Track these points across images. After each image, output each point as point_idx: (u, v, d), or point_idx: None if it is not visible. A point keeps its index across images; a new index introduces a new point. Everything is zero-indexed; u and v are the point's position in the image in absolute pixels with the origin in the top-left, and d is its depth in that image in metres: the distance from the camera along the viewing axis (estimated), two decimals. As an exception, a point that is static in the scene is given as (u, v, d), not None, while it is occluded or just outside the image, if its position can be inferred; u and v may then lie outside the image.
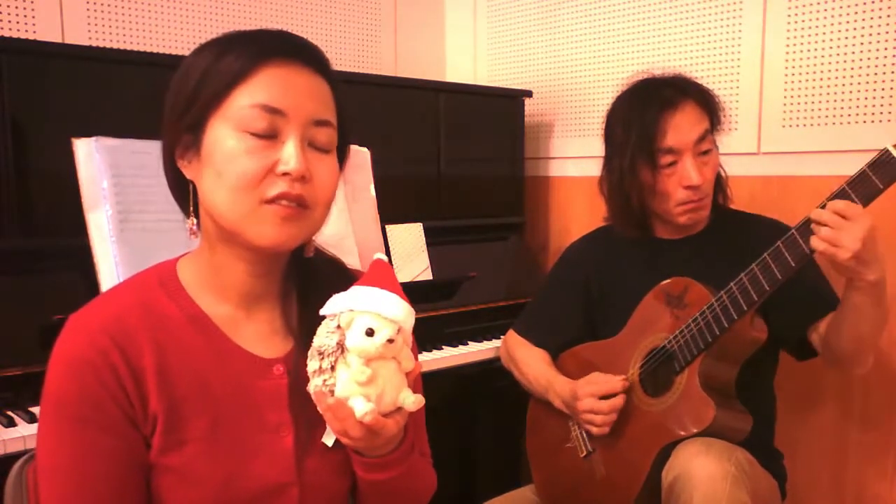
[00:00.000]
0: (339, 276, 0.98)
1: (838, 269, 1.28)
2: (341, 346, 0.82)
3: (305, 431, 0.91)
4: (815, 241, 1.27)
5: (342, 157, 0.95)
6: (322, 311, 0.85)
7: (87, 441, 0.83)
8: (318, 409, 0.85)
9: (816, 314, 1.47)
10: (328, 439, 0.90)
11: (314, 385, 0.84)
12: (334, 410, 0.83)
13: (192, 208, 0.91)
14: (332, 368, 0.83)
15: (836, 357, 1.46)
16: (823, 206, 1.27)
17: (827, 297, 1.48)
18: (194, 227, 0.92)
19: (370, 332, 0.82)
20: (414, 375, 0.88)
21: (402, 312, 0.84)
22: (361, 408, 0.81)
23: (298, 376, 0.90)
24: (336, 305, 0.84)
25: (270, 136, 0.85)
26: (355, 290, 0.85)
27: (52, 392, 0.85)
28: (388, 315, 0.83)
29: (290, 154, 0.84)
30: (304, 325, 0.93)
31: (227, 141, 0.84)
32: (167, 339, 0.88)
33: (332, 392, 0.82)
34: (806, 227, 1.30)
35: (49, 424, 0.85)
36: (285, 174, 0.84)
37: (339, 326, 0.83)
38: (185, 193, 0.92)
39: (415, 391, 0.87)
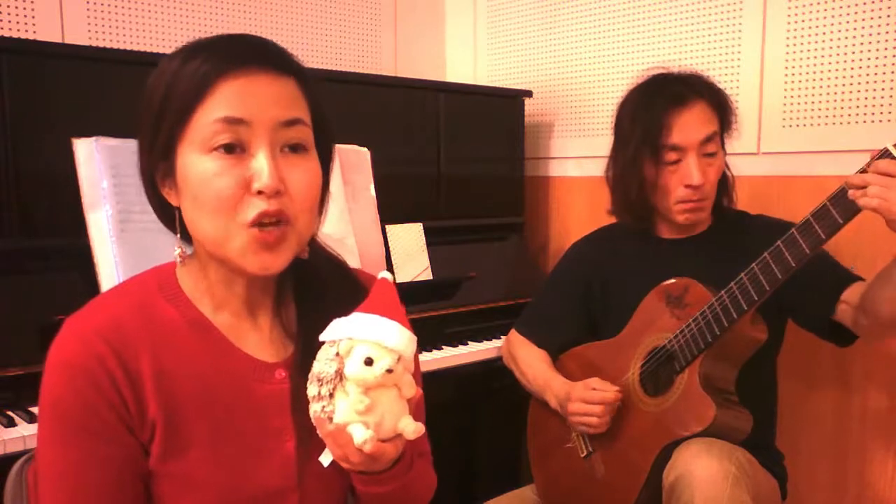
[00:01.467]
0: (339, 279, 0.97)
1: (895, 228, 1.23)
2: (340, 375, 0.81)
3: (307, 437, 0.89)
4: (866, 200, 1.21)
5: (325, 154, 0.92)
6: (321, 337, 0.84)
7: (83, 447, 0.83)
8: (319, 434, 0.83)
9: (837, 288, 1.45)
10: (325, 459, 0.88)
11: (313, 410, 0.82)
12: (334, 437, 0.81)
13: (178, 233, 0.90)
14: (331, 396, 0.81)
15: (880, 325, 1.40)
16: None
17: (840, 271, 1.48)
18: (184, 252, 0.91)
19: (369, 362, 0.80)
20: (415, 402, 0.86)
21: (403, 341, 0.82)
22: (360, 435, 0.80)
23: (299, 381, 0.89)
24: (336, 332, 0.83)
25: (238, 150, 0.83)
26: (356, 318, 0.83)
27: (48, 398, 0.84)
28: (388, 344, 0.81)
29: (260, 167, 0.82)
30: (303, 330, 0.93)
31: (196, 165, 0.82)
32: (166, 344, 0.87)
33: (330, 419, 0.81)
34: (806, 226, 1.30)
35: (46, 430, 0.84)
36: (260, 192, 0.82)
37: (338, 354, 0.81)
38: (170, 217, 0.90)
39: (416, 416, 0.86)
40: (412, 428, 0.84)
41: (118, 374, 0.83)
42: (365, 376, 0.80)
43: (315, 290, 0.95)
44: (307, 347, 0.90)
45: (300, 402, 0.88)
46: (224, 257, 0.85)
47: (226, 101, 0.82)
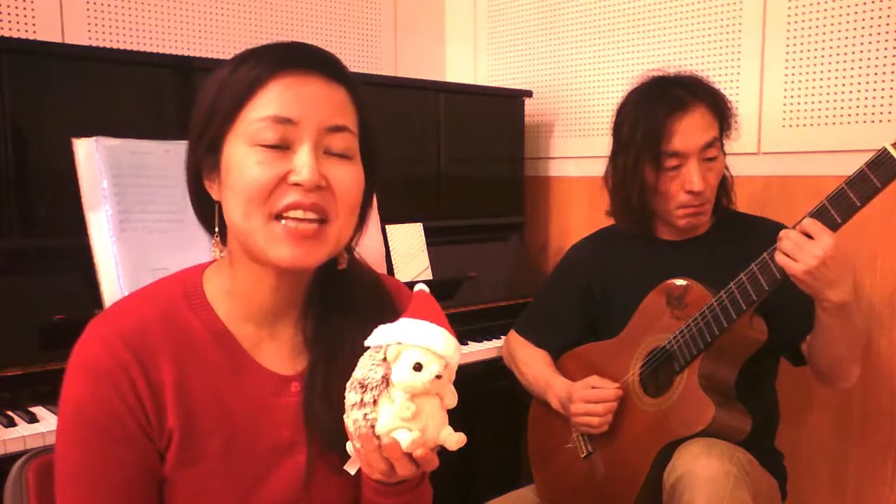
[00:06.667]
0: (369, 297, 0.95)
1: (798, 285, 1.29)
2: (386, 380, 0.79)
3: (318, 449, 0.89)
4: (776, 253, 1.30)
5: (370, 168, 0.91)
6: (367, 342, 0.82)
7: (101, 449, 0.83)
8: (363, 449, 0.81)
9: (810, 325, 1.46)
10: (352, 468, 0.86)
11: (353, 418, 0.80)
12: (387, 451, 0.79)
13: (216, 228, 0.90)
14: (375, 402, 0.79)
15: (818, 372, 1.49)
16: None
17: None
18: (219, 249, 0.91)
19: (418, 367, 0.78)
20: None
21: (451, 348, 0.81)
22: (407, 438, 0.78)
23: (310, 394, 0.89)
24: (382, 337, 0.81)
25: (283, 147, 0.83)
26: (403, 323, 0.81)
27: (69, 398, 0.84)
28: (438, 350, 0.79)
29: (302, 163, 0.82)
30: (317, 342, 0.92)
31: (240, 156, 0.83)
32: (188, 355, 0.87)
33: (372, 427, 0.79)
34: None
35: (66, 429, 0.85)
36: (297, 185, 0.82)
37: (384, 359, 0.79)
38: (209, 214, 0.91)
39: None
40: (455, 439, 0.82)
41: (140, 383, 0.83)
42: (413, 382, 0.78)
43: (341, 304, 0.94)
44: (318, 360, 0.90)
45: (312, 414, 0.88)
46: (253, 249, 0.85)
47: (276, 99, 0.83)
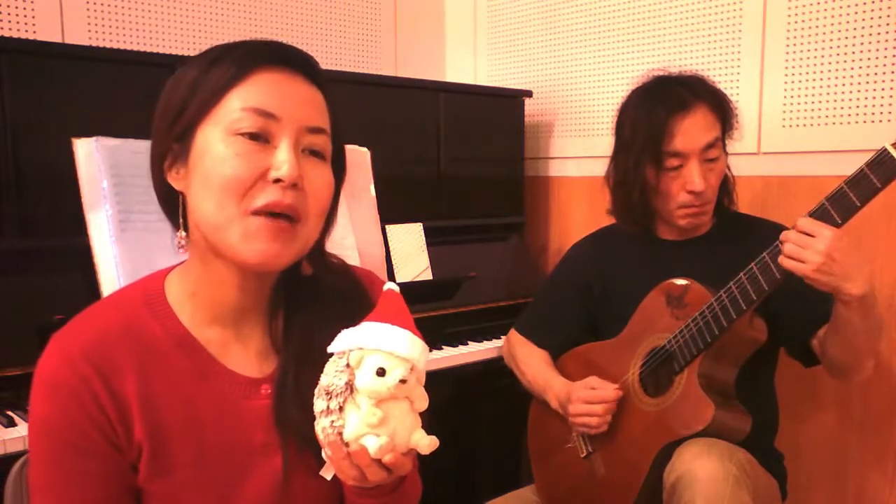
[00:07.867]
0: (338, 294, 0.94)
1: (812, 284, 1.28)
2: (350, 386, 0.78)
3: (293, 451, 0.88)
4: (780, 258, 1.30)
5: (337, 168, 0.92)
6: (330, 349, 0.81)
7: (69, 463, 0.82)
8: (333, 456, 0.80)
9: (818, 322, 1.46)
10: (327, 474, 0.85)
11: (321, 426, 0.79)
12: (356, 457, 0.78)
13: (181, 220, 0.88)
14: (341, 409, 0.78)
15: (834, 366, 1.46)
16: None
17: (828, 305, 1.46)
18: (183, 241, 0.89)
19: (381, 372, 0.77)
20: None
21: (416, 350, 0.80)
22: (375, 444, 0.77)
23: (282, 395, 0.88)
24: (344, 342, 0.80)
25: (262, 140, 0.82)
26: (365, 327, 0.80)
27: (34, 414, 0.84)
28: (401, 353, 0.78)
29: (282, 159, 0.81)
30: (286, 343, 0.91)
31: (216, 145, 0.82)
32: (151, 364, 0.85)
33: (340, 434, 0.78)
34: None
35: (34, 444, 0.84)
36: (277, 181, 0.81)
37: (348, 365, 0.79)
38: (174, 207, 0.89)
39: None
40: (426, 442, 0.80)
41: (103, 396, 0.82)
42: (377, 387, 0.77)
43: (310, 304, 0.93)
44: (289, 362, 0.89)
45: (285, 417, 0.87)
46: (223, 244, 0.83)
47: (259, 91, 0.83)
